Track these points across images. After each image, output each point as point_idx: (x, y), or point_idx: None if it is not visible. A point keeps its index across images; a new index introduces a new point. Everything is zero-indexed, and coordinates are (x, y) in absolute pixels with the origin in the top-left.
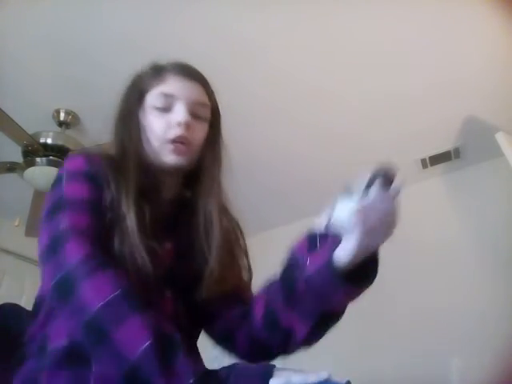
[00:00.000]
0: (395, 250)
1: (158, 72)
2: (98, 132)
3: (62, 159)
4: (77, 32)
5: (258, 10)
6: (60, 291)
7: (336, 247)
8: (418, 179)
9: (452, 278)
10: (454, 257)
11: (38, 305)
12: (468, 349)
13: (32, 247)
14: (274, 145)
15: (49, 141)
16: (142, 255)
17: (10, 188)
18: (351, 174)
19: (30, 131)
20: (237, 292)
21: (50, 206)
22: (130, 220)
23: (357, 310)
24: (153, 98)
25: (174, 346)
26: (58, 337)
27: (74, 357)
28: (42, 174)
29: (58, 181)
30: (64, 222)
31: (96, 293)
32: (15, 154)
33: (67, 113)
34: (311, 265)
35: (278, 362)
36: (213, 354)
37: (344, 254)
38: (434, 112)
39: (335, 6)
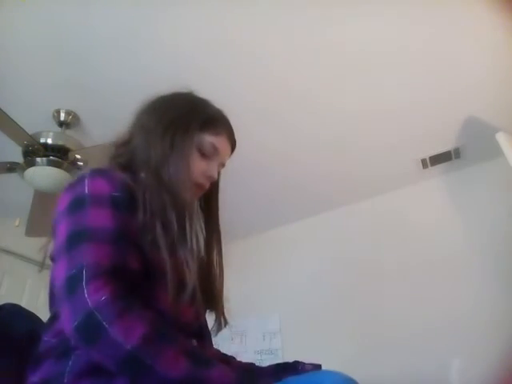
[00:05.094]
0: (395, 250)
1: (215, 122)
2: (99, 132)
3: (62, 159)
4: (76, 33)
5: (250, 14)
6: (85, 334)
7: None
8: (418, 179)
9: (452, 278)
10: (454, 257)
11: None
12: (468, 349)
13: (32, 247)
14: (264, 148)
15: (49, 141)
16: (194, 283)
17: (10, 188)
18: (349, 175)
19: (31, 131)
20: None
21: (70, 233)
22: (192, 251)
23: (358, 311)
24: (205, 143)
25: (209, 360)
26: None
27: (98, 368)
28: (42, 174)
29: (79, 202)
30: (85, 257)
31: (129, 333)
32: (15, 154)
33: (67, 113)
34: None
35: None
36: None
37: None
38: (434, 112)
39: (335, 7)
